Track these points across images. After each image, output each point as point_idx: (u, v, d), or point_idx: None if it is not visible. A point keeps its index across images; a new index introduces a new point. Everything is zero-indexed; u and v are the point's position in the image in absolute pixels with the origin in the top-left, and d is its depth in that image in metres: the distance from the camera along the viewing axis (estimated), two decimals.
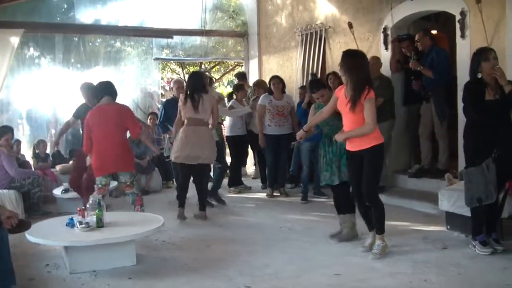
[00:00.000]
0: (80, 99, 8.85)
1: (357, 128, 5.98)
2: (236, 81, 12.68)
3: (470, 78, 6.23)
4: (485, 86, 6.03)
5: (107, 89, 7.56)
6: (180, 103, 8.19)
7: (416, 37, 8.88)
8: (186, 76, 18.84)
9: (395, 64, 9.74)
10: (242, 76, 12.51)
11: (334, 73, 9.59)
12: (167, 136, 9.98)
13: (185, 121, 8.15)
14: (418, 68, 8.69)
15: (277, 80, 9.90)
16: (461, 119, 7.43)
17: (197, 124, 8.10)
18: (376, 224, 6.23)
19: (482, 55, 6.09)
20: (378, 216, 6.20)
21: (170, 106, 9.44)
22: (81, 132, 8.93)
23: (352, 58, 6.16)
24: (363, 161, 6.06)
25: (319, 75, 11.46)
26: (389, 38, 9.87)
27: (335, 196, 7.04)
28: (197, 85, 8.22)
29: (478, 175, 5.96)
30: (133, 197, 7.54)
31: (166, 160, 10.05)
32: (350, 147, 6.15)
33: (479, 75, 6.08)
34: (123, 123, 7.41)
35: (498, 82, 5.98)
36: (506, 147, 5.96)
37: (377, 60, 9.49)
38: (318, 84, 7.31)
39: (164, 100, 13.30)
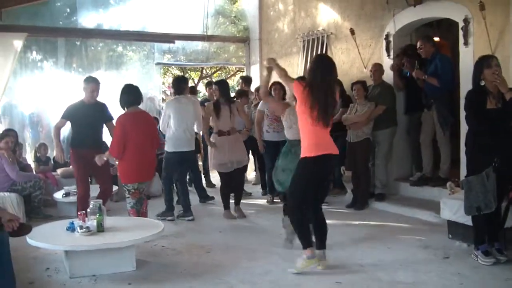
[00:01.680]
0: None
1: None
2: (239, 85, 12.59)
3: (473, 86, 6.21)
4: (487, 95, 6.01)
5: (140, 96, 7.68)
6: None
7: (418, 44, 8.88)
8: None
9: (399, 82, 9.69)
10: (247, 81, 12.46)
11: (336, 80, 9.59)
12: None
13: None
14: (423, 77, 8.69)
15: (278, 86, 9.86)
16: (464, 127, 7.41)
17: None
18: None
19: (484, 62, 6.08)
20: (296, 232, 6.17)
21: None
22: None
23: None
24: None
25: None
26: (391, 45, 9.86)
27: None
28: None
29: (477, 184, 5.93)
30: (141, 202, 7.54)
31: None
32: None
33: (482, 83, 6.06)
34: (151, 132, 7.62)
35: (500, 91, 5.97)
36: (507, 156, 5.94)
37: (379, 67, 9.51)
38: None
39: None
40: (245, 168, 9.72)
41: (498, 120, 5.93)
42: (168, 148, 8.88)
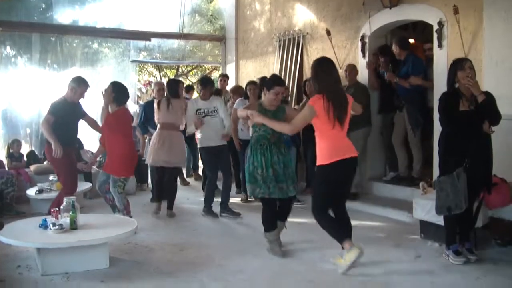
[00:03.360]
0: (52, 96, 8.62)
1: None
2: (219, 82, 12.55)
3: (447, 88, 6.28)
4: (460, 97, 6.07)
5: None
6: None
7: (393, 46, 9.00)
8: (163, 79, 18.80)
9: (375, 81, 9.78)
10: (227, 77, 12.78)
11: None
12: (146, 137, 10.08)
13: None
14: (394, 80, 8.79)
15: (253, 85, 9.84)
16: (437, 128, 7.47)
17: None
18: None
19: (458, 65, 6.14)
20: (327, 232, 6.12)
21: (150, 107, 9.68)
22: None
23: None
24: None
25: (296, 81, 11.53)
26: (367, 46, 9.93)
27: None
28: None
29: (448, 184, 6.00)
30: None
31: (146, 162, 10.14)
32: None
33: (456, 85, 6.13)
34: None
35: (473, 93, 6.03)
36: (477, 157, 6.02)
37: (353, 67, 9.58)
38: (279, 80, 6.93)
39: (141, 102, 13.39)
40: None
41: (470, 122, 6.00)
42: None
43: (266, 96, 6.59)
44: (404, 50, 8.96)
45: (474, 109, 6.01)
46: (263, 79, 7.61)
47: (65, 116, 7.80)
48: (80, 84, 7.90)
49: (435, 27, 8.53)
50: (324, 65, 5.99)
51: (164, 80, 17.04)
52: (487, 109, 5.96)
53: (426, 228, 7.13)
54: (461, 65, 6.10)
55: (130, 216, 7.69)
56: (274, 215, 6.72)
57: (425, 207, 6.98)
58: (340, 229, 6.01)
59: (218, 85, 12.39)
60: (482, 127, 6.08)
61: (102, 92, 7.85)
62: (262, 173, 6.44)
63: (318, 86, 5.90)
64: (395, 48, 9.00)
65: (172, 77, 19.07)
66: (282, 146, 6.63)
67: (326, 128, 5.79)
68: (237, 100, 10.04)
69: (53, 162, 8.04)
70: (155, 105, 9.04)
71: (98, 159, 10.15)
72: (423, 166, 9.10)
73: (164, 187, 9.08)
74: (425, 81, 8.77)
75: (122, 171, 7.75)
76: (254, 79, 11.13)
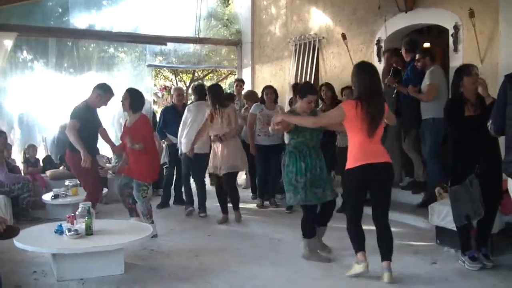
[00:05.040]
0: (72, 104, 8.59)
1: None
2: (234, 87, 12.58)
3: (452, 94, 6.26)
4: (464, 103, 6.04)
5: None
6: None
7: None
8: (179, 84, 18.83)
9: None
10: (243, 82, 12.76)
11: (327, 84, 9.65)
12: (165, 143, 10.12)
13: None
14: (393, 85, 8.75)
15: (270, 90, 9.88)
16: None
17: None
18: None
19: (465, 70, 6.15)
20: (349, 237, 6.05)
21: (169, 113, 9.80)
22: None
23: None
24: None
25: None
26: (382, 50, 9.90)
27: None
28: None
29: (463, 193, 5.92)
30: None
31: (164, 167, 10.22)
32: None
33: (461, 90, 6.10)
34: None
35: (478, 98, 6.02)
36: (487, 161, 5.96)
37: None
38: (312, 89, 6.84)
39: (156, 107, 13.47)
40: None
41: (477, 127, 5.93)
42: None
43: (299, 103, 6.57)
44: (409, 53, 8.90)
45: (480, 114, 5.96)
46: (295, 85, 7.59)
47: (88, 122, 7.84)
48: (106, 92, 7.97)
49: (451, 31, 8.50)
50: (364, 70, 5.89)
51: (180, 85, 17.09)
52: None
53: (442, 234, 7.07)
54: (468, 71, 6.11)
55: (152, 221, 7.73)
56: (314, 222, 6.66)
57: (441, 213, 6.93)
58: (359, 240, 5.91)
59: (233, 90, 12.40)
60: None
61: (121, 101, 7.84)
62: (301, 179, 6.39)
63: (356, 91, 5.84)
64: (403, 51, 9.00)
65: (188, 82, 19.08)
66: (319, 151, 6.62)
67: (357, 133, 5.73)
68: (254, 105, 10.05)
69: (77, 170, 8.07)
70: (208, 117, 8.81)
71: (113, 163, 10.18)
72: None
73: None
74: (420, 94, 8.46)
75: (146, 176, 7.76)
76: (270, 83, 11.14)
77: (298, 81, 11.77)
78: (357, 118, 5.63)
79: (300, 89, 6.74)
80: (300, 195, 6.39)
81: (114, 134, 10.79)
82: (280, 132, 6.69)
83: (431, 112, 8.22)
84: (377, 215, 5.90)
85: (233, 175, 8.91)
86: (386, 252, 5.79)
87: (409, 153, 9.11)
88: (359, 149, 5.75)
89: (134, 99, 7.74)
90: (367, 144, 5.72)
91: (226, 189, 8.90)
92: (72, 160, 7.99)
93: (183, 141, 9.24)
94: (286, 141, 6.78)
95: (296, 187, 6.40)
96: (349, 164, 5.81)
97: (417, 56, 8.63)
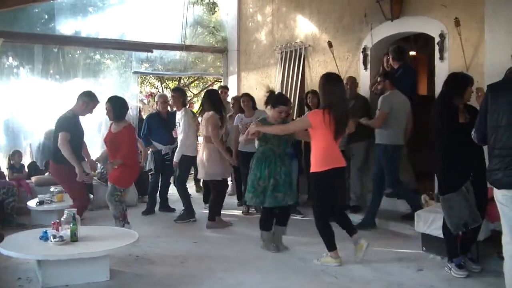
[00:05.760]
0: (57, 110, 8.56)
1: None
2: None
3: (449, 97, 6.21)
4: (457, 110, 6.08)
5: None
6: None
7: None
8: (165, 91, 18.80)
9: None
10: (227, 89, 12.87)
11: (313, 91, 9.67)
12: (149, 149, 10.11)
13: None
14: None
15: (247, 97, 9.95)
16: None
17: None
18: None
19: (470, 80, 6.26)
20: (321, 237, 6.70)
21: (154, 120, 9.84)
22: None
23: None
24: None
25: (297, 93, 11.53)
26: (369, 58, 9.94)
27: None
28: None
29: (460, 200, 5.92)
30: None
31: (150, 173, 10.23)
32: None
33: (459, 97, 6.13)
34: None
35: (465, 107, 6.15)
36: (480, 168, 5.98)
37: (353, 80, 9.59)
38: (284, 100, 7.41)
39: (142, 113, 13.42)
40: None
41: (470, 134, 5.95)
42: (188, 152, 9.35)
43: (271, 112, 7.20)
44: (397, 61, 8.97)
45: (471, 121, 5.98)
46: (270, 93, 7.67)
47: (77, 132, 7.81)
48: (93, 99, 7.94)
49: (437, 39, 8.55)
50: (330, 81, 6.51)
51: (166, 92, 17.06)
52: None
53: (428, 241, 7.10)
54: (472, 83, 6.28)
55: (128, 222, 7.73)
56: (271, 218, 7.43)
57: (427, 220, 6.96)
58: (332, 239, 6.59)
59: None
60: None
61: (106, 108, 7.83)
62: (263, 183, 7.03)
63: (322, 100, 6.48)
64: (390, 58, 9.05)
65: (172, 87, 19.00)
66: (286, 158, 7.23)
67: (323, 139, 6.34)
68: (236, 117, 10.06)
69: (61, 181, 8.12)
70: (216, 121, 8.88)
71: (98, 170, 10.15)
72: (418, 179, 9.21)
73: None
74: (370, 121, 8.52)
75: (123, 183, 7.73)
76: (256, 90, 11.16)
77: (284, 88, 11.82)
78: (324, 125, 6.24)
79: (274, 99, 7.30)
80: (259, 198, 7.12)
81: (100, 141, 10.75)
82: (251, 141, 7.32)
83: (384, 139, 8.36)
84: (335, 210, 6.71)
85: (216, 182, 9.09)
86: (351, 227, 6.84)
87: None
88: (325, 154, 6.39)
89: (116, 109, 7.72)
90: (331, 149, 6.40)
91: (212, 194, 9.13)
92: (55, 171, 7.94)
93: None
94: (256, 147, 7.33)
95: (256, 190, 7.10)
96: (317, 168, 6.42)
97: (378, 79, 8.72)
